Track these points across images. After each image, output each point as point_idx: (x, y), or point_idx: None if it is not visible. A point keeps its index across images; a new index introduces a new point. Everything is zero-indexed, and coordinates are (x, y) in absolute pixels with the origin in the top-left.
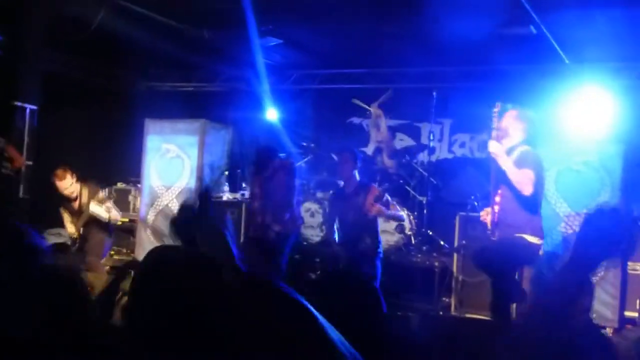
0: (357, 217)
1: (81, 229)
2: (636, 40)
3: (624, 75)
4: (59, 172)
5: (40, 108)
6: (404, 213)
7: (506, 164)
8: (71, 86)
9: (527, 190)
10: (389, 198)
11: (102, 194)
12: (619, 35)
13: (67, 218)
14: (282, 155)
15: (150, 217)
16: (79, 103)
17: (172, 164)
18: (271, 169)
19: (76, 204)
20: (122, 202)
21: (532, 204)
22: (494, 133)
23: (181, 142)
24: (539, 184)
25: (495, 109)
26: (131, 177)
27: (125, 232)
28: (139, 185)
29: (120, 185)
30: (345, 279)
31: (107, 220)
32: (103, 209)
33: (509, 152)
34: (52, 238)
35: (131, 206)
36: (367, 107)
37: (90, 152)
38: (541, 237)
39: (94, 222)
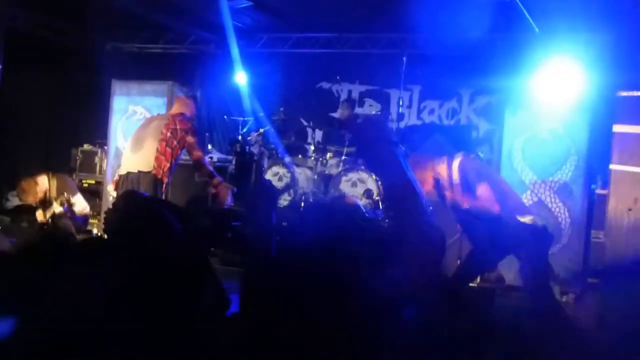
0: None
1: (49, 220)
2: (604, 11)
3: (593, 46)
4: (24, 185)
5: (4, 67)
6: (371, 178)
7: (465, 204)
8: (37, 46)
9: (495, 208)
10: None
11: (66, 195)
12: (589, 6)
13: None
14: None
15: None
16: (44, 63)
17: (138, 126)
18: None
19: (44, 197)
20: (88, 164)
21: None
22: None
23: (148, 104)
24: (497, 192)
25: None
26: (98, 138)
27: (92, 194)
28: (105, 147)
29: (86, 147)
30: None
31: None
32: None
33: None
34: (16, 200)
35: (97, 168)
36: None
37: (56, 113)
38: (530, 213)
39: (61, 215)
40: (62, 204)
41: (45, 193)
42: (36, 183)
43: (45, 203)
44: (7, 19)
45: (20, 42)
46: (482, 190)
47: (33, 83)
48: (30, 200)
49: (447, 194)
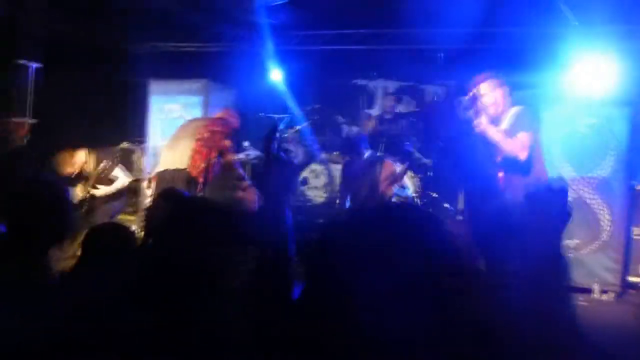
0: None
1: (89, 193)
2: None
3: (632, 38)
4: (60, 158)
5: (44, 67)
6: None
7: (496, 135)
8: (74, 46)
9: (522, 154)
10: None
11: (104, 164)
12: None
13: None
14: None
15: None
16: (82, 62)
17: (175, 124)
18: None
19: (82, 171)
20: (126, 162)
21: (528, 165)
22: (475, 110)
23: (184, 102)
24: (536, 144)
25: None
26: (135, 137)
27: (130, 192)
28: (143, 145)
29: (124, 145)
30: None
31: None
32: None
33: (499, 119)
34: None
35: (135, 166)
36: None
37: (94, 112)
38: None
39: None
40: (98, 176)
41: (83, 166)
42: (72, 155)
43: (82, 177)
44: (46, 21)
45: (60, 43)
46: (523, 137)
47: (72, 83)
48: (67, 172)
49: (480, 121)
